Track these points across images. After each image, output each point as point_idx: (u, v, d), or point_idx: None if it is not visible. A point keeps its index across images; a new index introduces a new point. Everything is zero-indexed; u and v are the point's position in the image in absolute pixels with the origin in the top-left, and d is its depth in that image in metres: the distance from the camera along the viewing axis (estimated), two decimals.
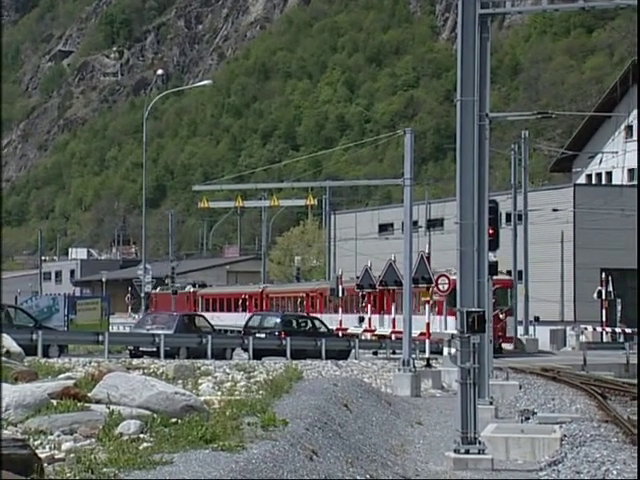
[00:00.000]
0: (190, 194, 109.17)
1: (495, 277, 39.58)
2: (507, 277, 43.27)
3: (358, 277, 43.00)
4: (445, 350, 35.02)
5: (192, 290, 69.44)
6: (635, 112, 52.90)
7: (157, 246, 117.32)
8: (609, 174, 64.55)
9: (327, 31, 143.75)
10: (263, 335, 37.93)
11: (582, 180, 66.45)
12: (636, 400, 23.69)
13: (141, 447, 10.87)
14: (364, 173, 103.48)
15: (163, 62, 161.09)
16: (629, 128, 60.16)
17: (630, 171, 62.68)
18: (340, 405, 18.20)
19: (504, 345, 42.69)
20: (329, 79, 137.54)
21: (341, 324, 43.80)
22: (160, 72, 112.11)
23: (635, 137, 61.52)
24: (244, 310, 59.60)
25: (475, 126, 15.78)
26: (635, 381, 29.38)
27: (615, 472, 13.38)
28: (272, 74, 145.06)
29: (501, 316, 41.21)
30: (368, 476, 13.35)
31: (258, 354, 35.12)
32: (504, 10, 17.98)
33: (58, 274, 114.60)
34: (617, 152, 47.74)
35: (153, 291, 74.11)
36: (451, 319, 37.25)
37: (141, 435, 11.72)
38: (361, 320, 44.29)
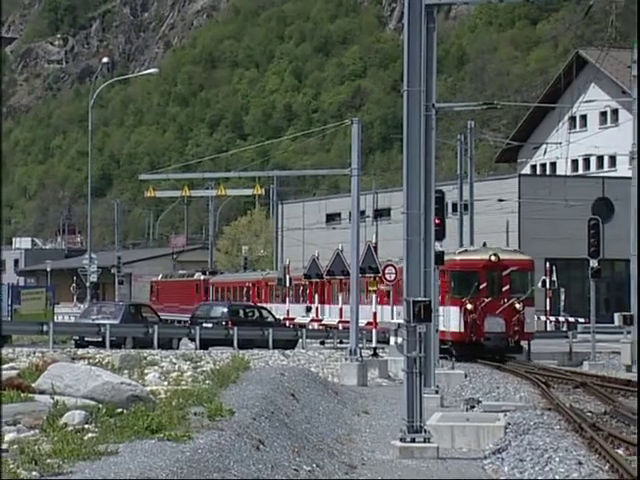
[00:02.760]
0: (136, 183, 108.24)
1: (509, 256, 34.00)
2: (526, 257, 35.14)
3: (305, 267, 43.05)
4: (392, 339, 35.17)
5: (203, 278, 64.27)
6: (579, 103, 53.44)
7: (103, 235, 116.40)
8: (553, 165, 65.21)
9: (274, 20, 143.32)
10: (210, 325, 37.82)
11: (527, 170, 67.06)
12: (578, 388, 24.00)
13: (86, 438, 10.78)
14: (311, 163, 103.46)
15: (108, 50, 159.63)
16: (573, 119, 60.76)
17: (574, 162, 63.36)
18: (287, 395, 18.21)
19: (523, 343, 34.41)
20: (276, 68, 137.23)
21: (288, 314, 43.83)
22: (105, 60, 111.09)
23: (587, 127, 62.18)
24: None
25: (421, 116, 15.83)
26: (577, 369, 29.75)
27: (557, 459, 13.54)
28: (219, 63, 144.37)
29: (517, 306, 33.23)
30: (314, 465, 13.37)
31: (205, 344, 35.03)
32: (450, 1, 18.05)
33: (2, 264, 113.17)
34: (561, 143, 48.17)
35: (154, 279, 71.92)
36: (398, 308, 36.82)
37: (86, 425, 11.63)
38: (308, 310, 44.32)
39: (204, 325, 37.19)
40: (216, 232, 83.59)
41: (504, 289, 33.52)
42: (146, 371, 21.15)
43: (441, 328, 32.80)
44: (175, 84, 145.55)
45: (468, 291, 33.25)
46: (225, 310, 39.95)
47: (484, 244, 36.61)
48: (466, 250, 35.39)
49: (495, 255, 33.78)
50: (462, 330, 32.94)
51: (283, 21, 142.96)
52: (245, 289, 56.32)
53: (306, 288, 48.00)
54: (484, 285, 33.52)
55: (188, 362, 25.85)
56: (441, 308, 32.90)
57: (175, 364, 24.85)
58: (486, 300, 33.22)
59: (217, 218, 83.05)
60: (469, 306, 33.03)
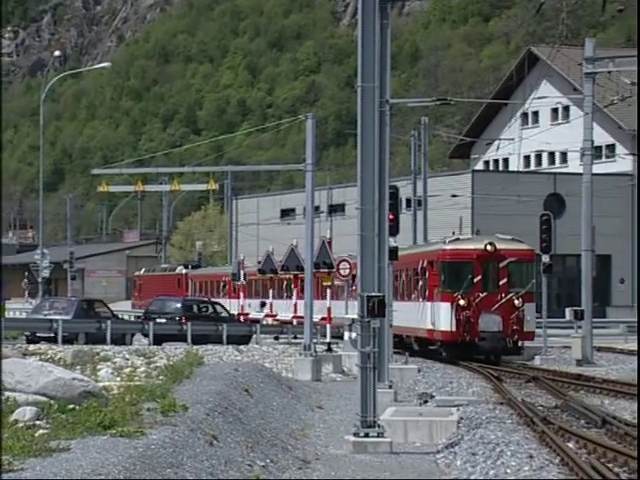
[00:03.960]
0: (89, 178, 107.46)
1: (506, 246, 29.69)
2: (526, 246, 30.99)
3: (260, 262, 42.99)
4: (346, 334, 35.18)
5: (184, 272, 62.32)
6: (530, 100, 53.83)
7: (55, 230, 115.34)
8: (506, 160, 65.67)
9: (228, 15, 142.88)
10: (163, 320, 37.65)
11: (480, 166, 67.46)
12: (530, 382, 24.21)
13: (37, 434, 10.69)
14: (266, 158, 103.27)
15: (60, 43, 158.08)
16: (525, 115, 61.25)
17: (526, 158, 63.87)
18: (241, 390, 18.18)
19: (520, 343, 30.33)
20: (230, 63, 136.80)
21: (243, 309, 43.74)
22: (57, 53, 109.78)
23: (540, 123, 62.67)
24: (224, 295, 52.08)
25: (375, 112, 15.86)
26: (529, 364, 29.97)
27: (509, 453, 13.65)
28: (172, 57, 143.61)
29: (516, 302, 29.48)
30: (268, 460, 13.37)
31: (158, 339, 34.87)
32: None
33: None
34: (513, 139, 48.51)
35: (137, 273, 70.74)
36: (352, 304, 36.41)
37: (37, 422, 11.53)
38: (263, 305, 44.24)
39: (157, 321, 37.01)
40: (170, 227, 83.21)
41: (501, 283, 29.84)
42: (99, 367, 21.03)
43: (428, 326, 30.58)
44: (128, 78, 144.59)
45: (460, 285, 29.68)
46: (179, 305, 39.79)
47: (477, 231, 33.03)
48: (458, 238, 31.45)
49: (491, 244, 29.88)
50: (454, 329, 29.30)
51: (237, 16, 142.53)
52: (222, 283, 55.32)
53: (260, 283, 47.96)
54: (479, 278, 29.84)
55: (141, 358, 25.72)
56: (429, 304, 30.64)
57: (128, 360, 24.72)
58: (481, 295, 29.61)
59: (171, 213, 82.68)
60: (462, 302, 29.37)
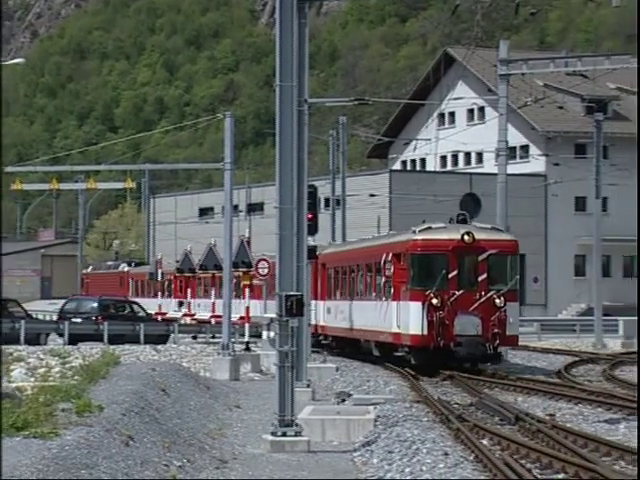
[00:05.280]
0: (2, 176, 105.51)
1: (486, 236, 25.76)
2: (508, 237, 26.97)
3: (178, 261, 42.71)
4: (264, 334, 35.16)
5: (127, 270, 59.43)
6: (447, 100, 54.43)
7: None
8: (423, 160, 66.27)
9: (144, 12, 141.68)
10: (79, 320, 37.21)
11: (397, 166, 67.98)
12: (446, 380, 24.45)
13: None
14: (184, 157, 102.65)
15: None
16: (441, 116, 61.90)
17: (442, 158, 64.53)
18: (158, 390, 18.06)
19: (504, 348, 26.98)
20: (147, 61, 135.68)
21: (160, 308, 43.43)
22: None
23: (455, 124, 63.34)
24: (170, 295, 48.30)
25: (294, 111, 15.88)
26: (443, 363, 30.08)
27: (425, 450, 13.77)
28: (88, 54, 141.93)
29: (498, 301, 25.39)
30: (185, 460, 13.29)
31: (74, 339, 34.46)
32: None
33: None
34: (430, 139, 48.96)
35: (84, 271, 69.11)
36: (271, 303, 35.74)
37: None
38: (181, 304, 44.01)
39: (73, 320, 36.56)
40: (86, 226, 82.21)
41: (480, 279, 25.66)
42: (12, 367, 20.69)
43: (393, 329, 26.49)
44: (42, 75, 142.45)
45: (433, 281, 25.42)
46: (95, 305, 39.36)
47: (451, 220, 27.37)
48: (429, 227, 26.66)
49: (469, 234, 25.68)
50: (425, 332, 25.06)
51: (154, 13, 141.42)
52: (167, 282, 54.04)
53: (178, 282, 47.59)
54: (454, 274, 25.57)
55: (56, 358, 25.39)
56: (394, 304, 26.52)
57: (43, 360, 24.39)
58: (457, 293, 25.36)
59: (87, 212, 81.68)
60: (435, 301, 25.17)
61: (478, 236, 25.90)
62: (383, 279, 27.71)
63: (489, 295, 25.44)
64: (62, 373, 19.54)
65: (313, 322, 33.55)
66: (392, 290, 26.83)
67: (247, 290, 30.99)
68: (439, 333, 25.17)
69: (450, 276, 25.59)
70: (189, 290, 42.70)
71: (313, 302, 32.78)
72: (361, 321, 29.38)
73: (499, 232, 27.09)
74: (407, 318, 25.72)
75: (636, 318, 44.79)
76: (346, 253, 33.13)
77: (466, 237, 25.74)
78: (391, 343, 27.14)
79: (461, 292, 25.47)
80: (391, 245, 27.75)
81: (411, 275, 25.84)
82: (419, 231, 26.45)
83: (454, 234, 25.96)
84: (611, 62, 31.71)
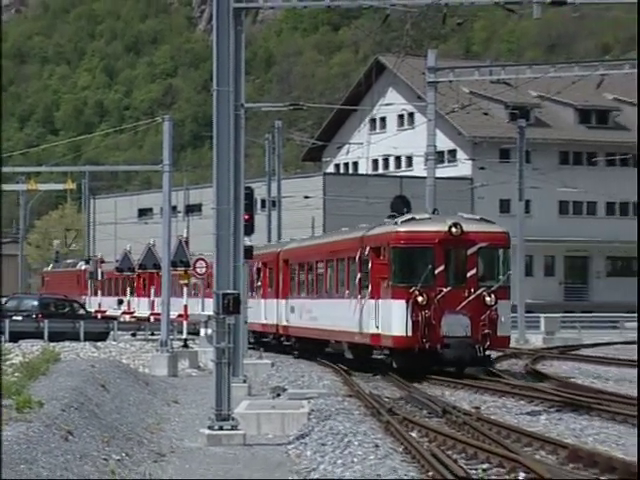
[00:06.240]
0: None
1: (476, 227, 23.07)
2: (498, 228, 24.05)
3: (118, 260, 42.36)
4: (202, 331, 35.00)
5: (84, 268, 56.00)
6: (378, 106, 54.74)
7: None
8: (355, 164, 66.53)
9: (85, 18, 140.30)
10: (20, 318, 36.74)
11: (331, 169, 68.16)
12: (377, 375, 24.54)
13: None
14: (124, 159, 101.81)
15: None
16: (373, 121, 62.18)
17: (374, 161, 64.84)
18: (97, 386, 17.89)
19: (494, 350, 24.62)
20: (88, 65, 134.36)
21: (100, 306, 43.03)
22: None
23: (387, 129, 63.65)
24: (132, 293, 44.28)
25: (231, 115, 15.85)
26: (378, 358, 30.29)
27: (356, 443, 13.82)
28: (28, 58, 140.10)
29: (488, 299, 22.71)
30: (124, 454, 13.18)
31: (15, 337, 34.02)
32: (257, 5, 18.12)
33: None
34: (362, 143, 49.17)
35: (44, 269, 67.51)
36: (208, 301, 35.05)
37: None
38: (120, 302, 43.69)
39: (14, 318, 36.10)
40: (27, 226, 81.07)
41: (469, 274, 22.93)
42: None
43: (372, 330, 23.72)
44: None
45: (418, 277, 22.69)
46: (35, 303, 38.96)
47: (434, 211, 25.26)
48: (413, 218, 23.86)
49: (457, 226, 22.88)
50: (410, 333, 22.37)
51: (94, 19, 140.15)
52: (128, 280, 52.80)
53: (118, 281, 47.21)
54: (441, 269, 22.84)
55: None
56: (373, 302, 23.66)
57: None
58: (444, 290, 22.63)
59: (28, 212, 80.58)
60: (420, 299, 22.44)
61: (467, 228, 23.11)
62: (358, 275, 24.83)
63: (479, 292, 22.63)
64: (2, 370, 19.23)
65: (274, 322, 31.75)
66: (370, 287, 23.88)
67: (185, 289, 30.83)
68: (425, 334, 22.36)
69: (437, 272, 22.82)
70: (128, 289, 42.38)
71: (274, 301, 31.39)
72: (331, 321, 26.35)
73: (489, 223, 23.96)
74: (389, 317, 22.88)
75: (556, 315, 45.48)
76: (313, 248, 29.80)
77: (454, 229, 22.90)
78: (368, 345, 24.50)
79: (448, 289, 22.70)
80: (368, 238, 24.68)
81: (393, 270, 22.93)
82: (402, 222, 23.64)
83: (440, 225, 23.11)
84: (532, 71, 32.11)
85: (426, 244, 23.00)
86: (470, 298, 22.74)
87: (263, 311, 32.61)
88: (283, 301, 31.21)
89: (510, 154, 53.39)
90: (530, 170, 49.15)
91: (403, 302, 22.62)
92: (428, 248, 22.94)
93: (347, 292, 25.84)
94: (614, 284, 63.55)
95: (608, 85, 46.96)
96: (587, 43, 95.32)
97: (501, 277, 23.19)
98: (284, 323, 31.26)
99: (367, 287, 24.25)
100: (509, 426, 15.25)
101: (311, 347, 29.54)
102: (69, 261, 65.50)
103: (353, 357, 26.25)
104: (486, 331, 22.50)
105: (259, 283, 33.62)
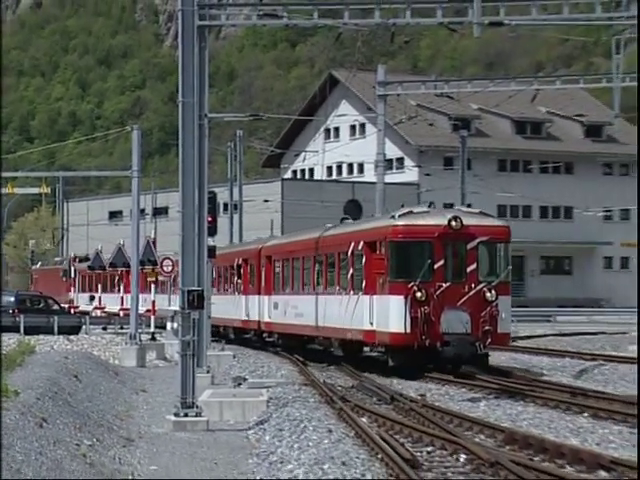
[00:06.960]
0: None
1: (476, 221, 21.01)
2: (499, 222, 22.20)
3: (90, 259, 42.10)
4: (168, 325, 34.83)
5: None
6: (332, 117, 54.85)
7: None
8: (311, 170, 66.62)
9: (59, 33, 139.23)
10: None
11: (289, 175, 68.18)
12: (331, 366, 24.57)
13: None
14: (95, 165, 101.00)
15: None
16: (327, 131, 62.27)
17: (329, 168, 64.91)
18: (70, 376, 17.74)
19: (493, 349, 22.27)
20: (61, 78, 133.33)
21: (73, 302, 42.69)
22: None
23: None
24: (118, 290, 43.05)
25: (195, 125, 15.84)
26: (333, 350, 30.24)
27: (312, 428, 13.82)
28: (6, 71, 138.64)
29: (488, 295, 20.68)
30: (95, 440, 13.08)
31: None
32: (220, 23, 18.09)
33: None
34: (317, 151, 49.25)
35: (33, 267, 66.41)
36: (175, 297, 34.72)
37: None
38: (92, 298, 43.48)
39: None
40: (4, 228, 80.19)
41: (469, 269, 20.85)
42: None
43: (365, 327, 21.73)
44: None
45: (417, 273, 20.64)
46: (12, 299, 38.64)
47: (430, 204, 22.14)
48: (411, 212, 21.62)
49: (456, 219, 20.79)
50: (408, 330, 20.35)
51: (67, 35, 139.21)
52: (117, 277, 52.00)
53: (90, 279, 46.86)
54: (440, 264, 20.73)
55: None
56: (367, 298, 21.65)
57: None
58: (444, 286, 20.60)
59: (5, 214, 79.72)
60: (419, 295, 20.42)
61: (466, 221, 20.97)
62: (351, 270, 22.66)
63: (479, 288, 20.58)
64: None
65: (256, 318, 29.46)
66: (364, 282, 21.76)
67: (152, 286, 30.69)
68: (424, 331, 20.31)
69: (436, 266, 20.71)
70: (99, 285, 42.09)
71: (256, 297, 29.32)
72: (320, 317, 24.32)
73: (488, 217, 21.86)
74: (386, 314, 20.80)
75: None
76: (299, 244, 27.22)
77: (453, 223, 20.76)
78: (361, 342, 22.56)
79: (448, 284, 20.63)
80: (362, 232, 22.63)
81: (391, 265, 20.78)
82: (399, 216, 21.45)
83: (440, 219, 20.99)
84: (473, 85, 32.34)
85: (425, 238, 20.87)
86: (470, 294, 20.73)
87: (244, 308, 30.45)
88: (266, 297, 28.83)
89: (453, 162, 53.82)
90: (471, 177, 49.52)
91: (401, 298, 20.56)
92: (427, 242, 20.86)
93: (338, 288, 23.62)
94: (547, 281, 64.29)
95: (541, 99, 47.41)
96: (522, 61, 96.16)
97: (502, 272, 21.12)
98: (266, 319, 28.96)
99: (360, 282, 22.15)
100: (451, 412, 15.34)
101: (294, 344, 27.17)
102: (57, 259, 64.91)
103: (343, 354, 24.24)
104: (487, 328, 20.47)
105: (239, 280, 31.56)
